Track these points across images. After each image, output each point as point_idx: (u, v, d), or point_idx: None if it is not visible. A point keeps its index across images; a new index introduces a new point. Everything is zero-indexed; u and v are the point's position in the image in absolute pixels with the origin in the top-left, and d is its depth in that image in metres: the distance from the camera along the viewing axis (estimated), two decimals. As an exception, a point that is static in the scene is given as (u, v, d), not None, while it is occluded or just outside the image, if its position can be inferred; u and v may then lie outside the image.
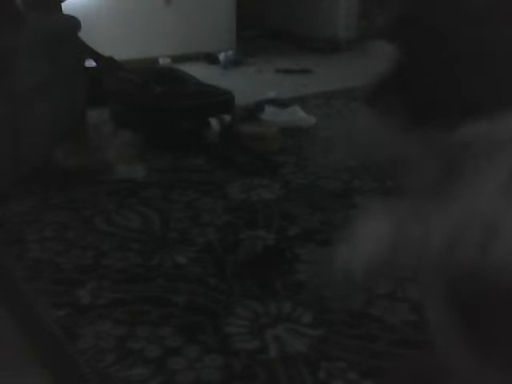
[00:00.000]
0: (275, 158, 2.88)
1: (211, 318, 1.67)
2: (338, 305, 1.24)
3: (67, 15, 3.15)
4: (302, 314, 1.68)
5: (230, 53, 5.10)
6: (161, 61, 4.98)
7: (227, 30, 5.44)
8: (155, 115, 3.06)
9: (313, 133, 3.27)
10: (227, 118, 3.08)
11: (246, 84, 4.36)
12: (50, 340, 1.60)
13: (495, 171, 0.78)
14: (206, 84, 3.38)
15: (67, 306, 1.72)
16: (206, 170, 2.76)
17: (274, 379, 1.45)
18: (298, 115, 3.40)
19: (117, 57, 4.05)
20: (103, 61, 3.96)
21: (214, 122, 3.03)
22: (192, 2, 5.19)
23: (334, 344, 1.57)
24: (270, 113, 3.34)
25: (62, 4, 3.67)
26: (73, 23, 3.02)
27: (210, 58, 5.12)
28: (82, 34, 3.14)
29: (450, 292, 0.87)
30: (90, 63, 3.90)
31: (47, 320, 1.67)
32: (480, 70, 0.78)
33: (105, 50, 4.01)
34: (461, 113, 0.78)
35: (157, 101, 3.06)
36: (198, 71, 4.10)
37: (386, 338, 1.59)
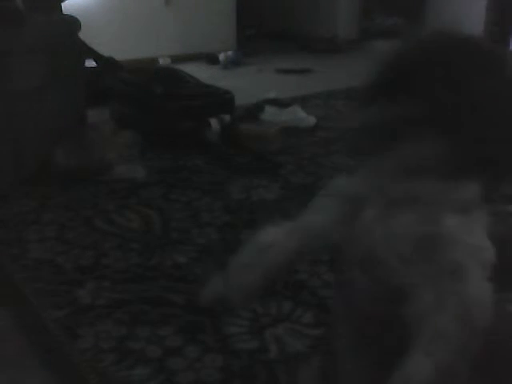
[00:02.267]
0: (275, 158, 2.89)
1: (211, 317, 1.66)
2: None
3: (67, 15, 3.14)
4: (302, 314, 1.68)
5: (230, 53, 5.10)
6: (161, 61, 4.98)
7: (227, 30, 5.44)
8: (155, 115, 3.06)
9: (313, 133, 3.27)
10: (227, 117, 3.08)
11: (246, 84, 4.36)
12: (50, 340, 1.60)
13: None
14: (206, 84, 3.38)
15: (67, 306, 1.72)
16: (206, 170, 2.76)
17: (274, 379, 1.45)
18: (298, 115, 3.40)
19: (117, 57, 4.05)
20: (103, 61, 3.96)
21: (214, 121, 3.03)
22: (192, 2, 5.19)
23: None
24: (270, 113, 3.34)
25: (62, 4, 3.68)
26: (73, 23, 3.02)
27: (210, 58, 5.12)
28: (81, 34, 3.14)
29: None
30: (90, 63, 3.90)
31: (47, 320, 1.67)
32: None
33: (105, 50, 4.01)
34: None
35: (157, 101, 3.06)
36: (198, 71, 4.10)
37: (386, 337, 1.59)
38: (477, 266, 0.81)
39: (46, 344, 1.59)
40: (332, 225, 0.96)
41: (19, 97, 2.45)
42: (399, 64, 0.86)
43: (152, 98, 3.08)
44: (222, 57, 5.05)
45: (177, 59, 4.96)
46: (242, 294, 0.98)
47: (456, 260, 0.81)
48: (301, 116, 3.40)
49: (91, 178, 2.59)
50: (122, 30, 4.81)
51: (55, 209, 2.35)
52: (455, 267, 0.81)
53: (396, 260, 0.84)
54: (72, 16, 3.07)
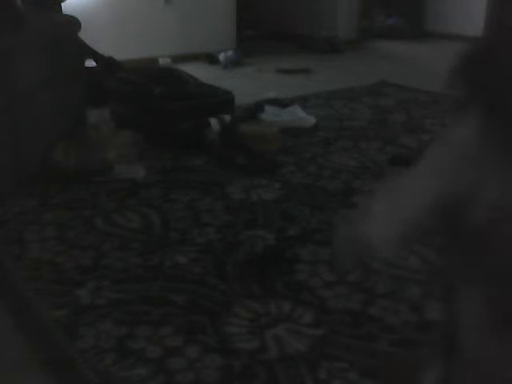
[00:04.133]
0: (275, 157, 2.89)
1: (211, 317, 1.67)
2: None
3: (67, 15, 3.15)
4: (302, 314, 1.68)
5: (230, 53, 5.10)
6: (161, 61, 4.98)
7: (227, 30, 5.45)
8: (155, 115, 3.06)
9: (313, 133, 3.27)
10: (227, 117, 3.08)
11: (246, 84, 4.36)
12: (49, 340, 1.60)
13: None
14: (206, 84, 3.39)
15: (67, 306, 1.72)
16: (206, 170, 2.76)
17: (274, 379, 1.45)
18: (298, 115, 3.40)
19: (117, 57, 4.05)
20: (103, 61, 3.96)
21: (213, 121, 3.03)
22: (192, 2, 5.19)
23: (334, 344, 1.57)
24: (270, 113, 3.34)
25: (62, 4, 3.68)
26: (73, 23, 3.02)
27: (210, 58, 5.13)
28: (81, 34, 3.14)
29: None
30: (90, 63, 3.90)
31: (47, 320, 1.67)
32: None
33: (105, 50, 4.01)
34: None
35: (157, 101, 3.06)
36: (198, 71, 4.10)
37: (386, 337, 1.59)
38: None
39: (46, 344, 1.59)
40: None
41: (19, 97, 2.45)
42: None
43: (152, 97, 3.08)
44: (222, 57, 5.05)
45: (177, 59, 4.96)
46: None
47: None
48: (301, 116, 3.40)
49: (91, 178, 2.59)
50: (122, 30, 4.82)
51: (55, 209, 2.35)
52: None
53: None
54: (72, 16, 3.07)
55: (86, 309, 1.71)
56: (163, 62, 4.97)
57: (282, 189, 2.54)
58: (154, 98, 3.07)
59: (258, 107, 3.38)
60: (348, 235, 0.94)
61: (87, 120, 3.12)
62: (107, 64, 3.93)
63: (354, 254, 0.95)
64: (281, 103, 3.50)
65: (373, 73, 4.75)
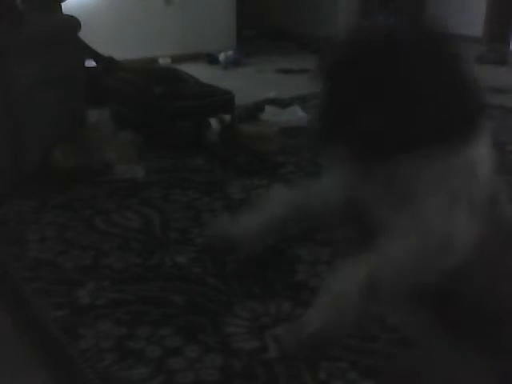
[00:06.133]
0: (275, 157, 2.89)
1: (211, 317, 1.67)
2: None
3: (67, 15, 3.15)
4: (302, 314, 1.68)
5: (230, 53, 5.11)
6: (161, 61, 4.98)
7: (227, 30, 5.45)
8: (155, 115, 3.06)
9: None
10: (227, 117, 3.08)
11: (246, 84, 4.36)
12: (50, 340, 1.60)
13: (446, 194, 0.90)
14: (206, 84, 3.39)
15: (67, 306, 1.72)
16: (206, 170, 2.76)
17: (274, 379, 1.45)
18: (298, 115, 3.40)
19: (117, 57, 4.06)
20: (103, 61, 3.96)
21: (213, 121, 3.03)
22: (192, 2, 5.19)
23: (334, 344, 1.56)
24: (270, 113, 3.34)
25: (62, 4, 3.68)
26: (73, 23, 3.02)
27: (210, 58, 5.13)
28: (81, 34, 3.14)
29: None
30: (90, 63, 3.90)
31: (47, 320, 1.67)
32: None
33: (105, 50, 4.01)
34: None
35: (157, 101, 3.06)
36: (198, 71, 4.10)
37: (386, 337, 1.59)
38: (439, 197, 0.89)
39: (46, 344, 1.59)
40: (329, 191, 1.07)
41: (19, 97, 2.45)
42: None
43: (152, 97, 3.08)
44: (222, 57, 5.05)
45: (177, 59, 4.96)
46: (247, 235, 1.13)
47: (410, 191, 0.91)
48: (301, 116, 3.41)
49: (91, 178, 2.59)
50: (122, 30, 4.82)
51: (55, 209, 2.35)
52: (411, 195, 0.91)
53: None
54: (72, 16, 3.07)
55: (86, 309, 1.71)
56: (163, 61, 4.97)
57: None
58: (154, 98, 3.07)
59: (257, 107, 3.38)
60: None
61: (87, 120, 3.12)
62: (107, 64, 3.93)
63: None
64: (281, 103, 3.50)
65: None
